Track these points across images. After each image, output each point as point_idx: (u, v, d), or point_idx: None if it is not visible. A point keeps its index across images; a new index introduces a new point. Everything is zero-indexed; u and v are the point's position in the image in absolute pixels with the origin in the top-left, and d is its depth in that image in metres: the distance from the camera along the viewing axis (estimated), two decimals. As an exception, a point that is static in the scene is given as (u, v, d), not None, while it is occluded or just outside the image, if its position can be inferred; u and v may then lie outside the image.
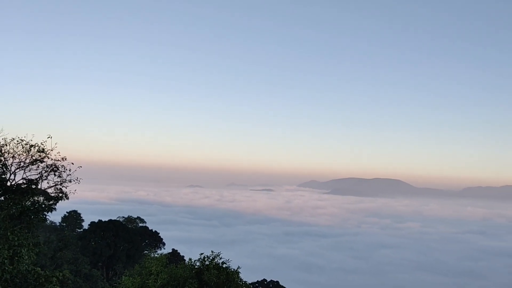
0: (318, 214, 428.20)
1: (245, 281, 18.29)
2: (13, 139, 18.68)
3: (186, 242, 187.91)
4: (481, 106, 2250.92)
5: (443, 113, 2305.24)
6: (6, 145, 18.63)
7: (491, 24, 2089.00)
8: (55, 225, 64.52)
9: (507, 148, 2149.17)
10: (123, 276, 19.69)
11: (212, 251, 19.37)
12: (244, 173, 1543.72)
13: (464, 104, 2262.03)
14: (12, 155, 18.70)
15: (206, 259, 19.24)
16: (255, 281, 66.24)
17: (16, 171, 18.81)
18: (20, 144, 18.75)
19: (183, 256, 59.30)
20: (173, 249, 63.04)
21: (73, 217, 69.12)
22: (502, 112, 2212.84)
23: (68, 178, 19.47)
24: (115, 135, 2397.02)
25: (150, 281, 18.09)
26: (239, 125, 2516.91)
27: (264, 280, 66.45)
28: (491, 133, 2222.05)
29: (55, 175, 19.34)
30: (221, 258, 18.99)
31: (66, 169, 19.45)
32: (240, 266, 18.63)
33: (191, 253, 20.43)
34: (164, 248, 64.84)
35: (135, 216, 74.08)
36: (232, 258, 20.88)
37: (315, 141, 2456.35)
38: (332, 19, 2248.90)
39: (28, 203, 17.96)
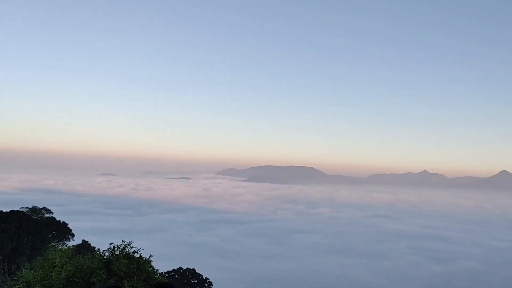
0: (236, 202, 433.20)
1: (157, 270, 17.58)
2: None
3: (99, 233, 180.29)
4: (386, 99, 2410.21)
5: (351, 105, 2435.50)
6: None
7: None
8: None
9: (409, 138, 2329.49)
10: (23, 270, 18.10)
11: (122, 240, 18.40)
12: (161, 161, 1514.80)
13: (370, 98, 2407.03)
14: None
15: (116, 248, 18.21)
16: (171, 269, 65.30)
17: None
18: None
19: (94, 247, 56.57)
20: (83, 240, 59.83)
21: (-32, 208, 62.65)
22: (405, 104, 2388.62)
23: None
24: (21, 120, 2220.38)
25: (53, 273, 16.75)
26: (156, 112, 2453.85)
27: (180, 268, 65.70)
28: (394, 124, 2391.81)
29: None
30: (132, 247, 18.08)
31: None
32: (152, 255, 17.89)
33: (104, 244, 19.22)
34: (73, 240, 61.31)
35: (41, 207, 69.01)
36: (148, 247, 20.09)
37: (233, 129, 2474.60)
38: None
39: None
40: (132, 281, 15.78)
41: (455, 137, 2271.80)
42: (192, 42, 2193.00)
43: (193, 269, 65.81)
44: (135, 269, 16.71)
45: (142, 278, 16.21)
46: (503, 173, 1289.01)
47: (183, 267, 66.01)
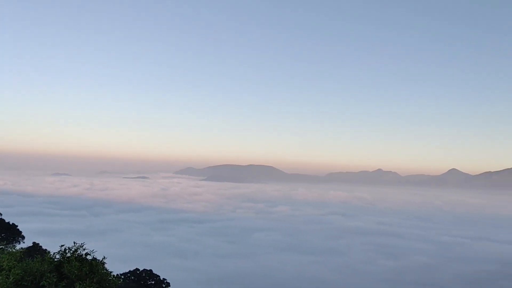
0: (195, 201, 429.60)
1: (111, 272, 17.32)
2: None
3: (51, 235, 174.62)
4: (343, 98, 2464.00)
5: (309, 104, 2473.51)
6: None
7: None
8: None
9: (365, 137, 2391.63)
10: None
11: (74, 242, 17.94)
12: (118, 160, 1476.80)
13: (328, 97, 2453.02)
14: None
15: (67, 250, 17.75)
16: (127, 271, 64.07)
17: None
18: None
19: (45, 250, 54.58)
20: (34, 243, 57.62)
21: None
22: (360, 104, 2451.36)
23: None
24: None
25: (0, 277, 16.18)
26: (112, 110, 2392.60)
27: (137, 269, 64.57)
28: (350, 124, 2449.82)
29: None
30: (84, 249, 17.68)
31: None
32: (105, 257, 17.57)
33: (55, 246, 18.66)
34: (24, 242, 58.91)
35: (-12, 208, 65.79)
36: (103, 248, 19.61)
37: (191, 128, 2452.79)
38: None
39: None
40: (84, 284, 15.51)
41: (407, 136, 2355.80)
42: (153, 38, 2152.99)
43: (150, 270, 64.86)
44: (87, 272, 16.39)
45: (95, 280, 15.94)
46: (453, 171, 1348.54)
47: (139, 268, 64.92)
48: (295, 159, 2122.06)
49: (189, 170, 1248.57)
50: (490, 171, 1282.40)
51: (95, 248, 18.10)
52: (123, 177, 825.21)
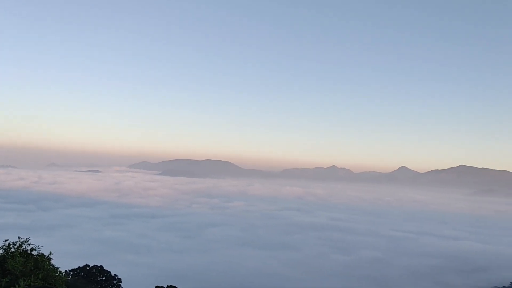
0: (149, 196, 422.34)
1: (58, 268, 16.50)
2: None
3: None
4: (299, 96, 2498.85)
5: (266, 102, 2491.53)
6: None
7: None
8: None
9: (320, 135, 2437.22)
10: None
11: (19, 237, 16.96)
12: (68, 153, 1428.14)
13: (283, 95, 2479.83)
14: None
15: (11, 246, 16.76)
16: (77, 267, 62.05)
17: None
18: None
19: (-12, 245, 51.73)
20: (-25, 238, 54.43)
21: None
22: (315, 102, 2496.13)
23: None
24: None
25: None
26: (64, 100, 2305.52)
27: (87, 265, 62.66)
28: (306, 121, 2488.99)
29: None
30: (30, 244, 16.75)
31: None
32: (52, 252, 16.73)
33: (-1, 242, 17.54)
34: (-36, 237, 55.61)
35: None
36: (51, 244, 18.67)
37: (147, 121, 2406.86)
38: None
39: None
40: (29, 280, 14.66)
41: (360, 134, 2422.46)
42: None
43: (101, 266, 63.09)
44: (32, 268, 15.53)
45: (40, 277, 15.10)
46: (402, 169, 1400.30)
47: (89, 264, 63.02)
48: (252, 155, 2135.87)
49: (143, 164, 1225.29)
50: (437, 169, 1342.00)
51: (43, 244, 17.20)
52: (74, 170, 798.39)
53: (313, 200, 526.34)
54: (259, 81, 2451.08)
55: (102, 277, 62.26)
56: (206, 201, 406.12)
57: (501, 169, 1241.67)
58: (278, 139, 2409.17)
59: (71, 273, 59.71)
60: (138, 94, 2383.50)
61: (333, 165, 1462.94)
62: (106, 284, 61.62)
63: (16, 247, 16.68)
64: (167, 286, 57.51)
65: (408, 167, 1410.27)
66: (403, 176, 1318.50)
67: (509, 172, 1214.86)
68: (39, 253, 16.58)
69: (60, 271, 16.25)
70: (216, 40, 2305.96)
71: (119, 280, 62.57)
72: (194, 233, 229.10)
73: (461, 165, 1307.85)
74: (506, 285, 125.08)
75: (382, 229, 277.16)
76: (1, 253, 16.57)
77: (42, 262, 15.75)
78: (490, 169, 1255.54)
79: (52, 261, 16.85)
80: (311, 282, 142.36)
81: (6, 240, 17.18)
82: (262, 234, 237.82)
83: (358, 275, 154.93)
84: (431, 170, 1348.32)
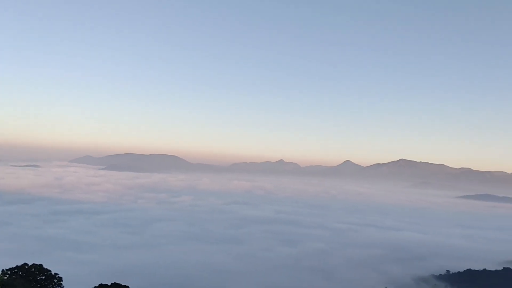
0: (92, 191, 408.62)
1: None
2: None
3: None
4: (246, 92, 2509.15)
5: (213, 96, 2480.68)
6: None
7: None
8: None
9: (268, 129, 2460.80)
10: None
11: None
12: (3, 147, 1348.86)
13: (230, 90, 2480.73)
14: None
15: None
16: (14, 266, 59.36)
17: None
18: None
19: None
20: None
21: None
22: (260, 99, 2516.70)
23: None
24: None
25: None
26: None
27: (25, 264, 60.06)
28: (255, 115, 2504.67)
29: None
30: (-39, 243, 16.01)
31: None
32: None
33: None
34: None
35: None
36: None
37: (90, 114, 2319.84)
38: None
39: None
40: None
41: (307, 130, 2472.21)
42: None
43: (40, 265, 60.72)
44: (-36, 267, 14.96)
45: (-27, 276, 14.58)
46: (347, 163, 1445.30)
47: (28, 263, 60.47)
48: (201, 150, 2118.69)
49: (86, 159, 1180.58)
50: (379, 163, 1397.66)
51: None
52: (11, 165, 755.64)
53: (261, 193, 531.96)
54: (205, 75, 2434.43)
55: (42, 276, 59.96)
56: (152, 196, 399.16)
57: (437, 163, 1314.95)
58: (227, 133, 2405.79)
59: (8, 272, 57.08)
60: (78, 85, 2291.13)
61: (281, 159, 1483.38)
62: (46, 283, 59.43)
63: None
64: (112, 283, 56.47)
65: (353, 161, 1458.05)
66: (348, 169, 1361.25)
67: (445, 165, 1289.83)
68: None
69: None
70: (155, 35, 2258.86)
71: (60, 279, 60.54)
72: (140, 228, 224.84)
73: (401, 159, 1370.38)
74: (442, 273, 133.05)
75: (327, 221, 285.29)
76: None
77: (-25, 261, 15.19)
78: (428, 162, 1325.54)
79: (-13, 260, 16.25)
80: (257, 275, 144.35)
81: None
82: (210, 228, 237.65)
83: (304, 267, 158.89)
84: (374, 164, 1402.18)
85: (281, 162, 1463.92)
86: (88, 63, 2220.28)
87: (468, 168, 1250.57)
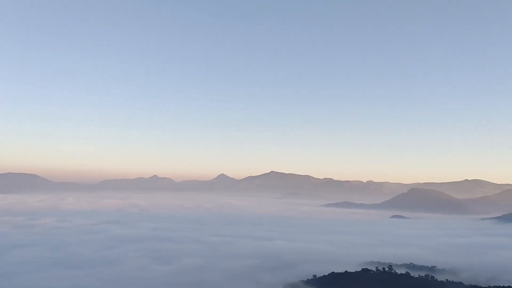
0: None
1: None
2: None
3: None
4: (113, 102, 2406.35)
5: (71, 106, 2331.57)
6: None
7: None
8: None
9: (140, 144, 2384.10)
10: None
11: None
12: None
13: (102, 98, 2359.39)
14: None
15: None
16: None
17: None
18: None
19: None
20: None
21: None
22: (135, 108, 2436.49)
23: None
24: None
25: None
26: None
27: None
28: (121, 129, 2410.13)
29: None
30: None
31: None
32: None
33: None
34: None
35: None
36: None
37: None
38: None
39: None
40: None
41: (180, 143, 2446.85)
42: None
43: None
44: None
45: None
46: (221, 176, 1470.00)
47: None
48: (65, 167, 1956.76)
49: None
50: (252, 175, 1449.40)
51: None
52: None
53: (134, 211, 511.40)
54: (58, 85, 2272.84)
55: None
56: (7, 219, 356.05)
57: (304, 174, 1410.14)
58: (95, 149, 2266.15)
59: None
60: None
61: (155, 175, 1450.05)
62: None
63: None
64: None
65: (227, 175, 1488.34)
66: (222, 183, 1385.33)
67: (310, 176, 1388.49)
68: None
69: None
70: None
71: None
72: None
73: (272, 171, 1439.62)
74: (309, 278, 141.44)
75: (202, 235, 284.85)
76: None
77: None
78: (296, 174, 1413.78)
79: None
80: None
81: None
82: (77, 251, 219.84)
83: (180, 283, 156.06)
84: (247, 177, 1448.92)
85: (155, 177, 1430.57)
86: None
87: (330, 178, 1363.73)
